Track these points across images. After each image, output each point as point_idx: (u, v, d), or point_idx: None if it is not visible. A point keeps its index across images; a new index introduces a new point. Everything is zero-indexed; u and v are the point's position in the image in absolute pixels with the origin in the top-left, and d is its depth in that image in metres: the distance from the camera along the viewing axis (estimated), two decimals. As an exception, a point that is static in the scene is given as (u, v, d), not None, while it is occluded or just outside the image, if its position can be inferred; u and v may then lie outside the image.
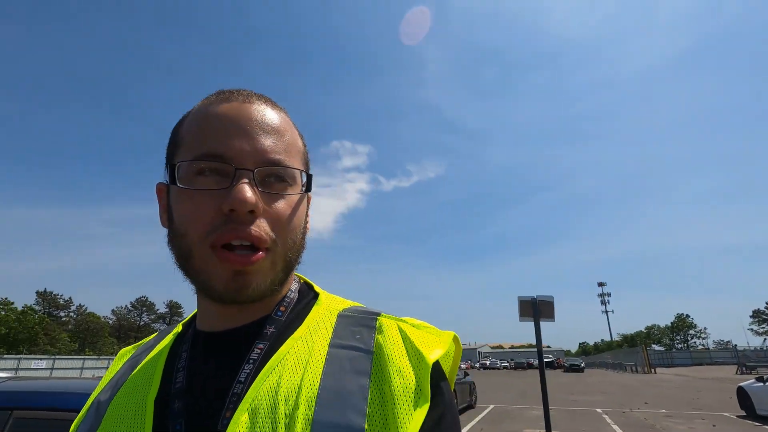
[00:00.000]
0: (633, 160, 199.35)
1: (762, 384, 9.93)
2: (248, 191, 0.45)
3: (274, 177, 0.49)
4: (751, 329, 65.95)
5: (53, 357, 33.41)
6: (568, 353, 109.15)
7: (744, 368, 31.36)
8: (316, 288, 0.60)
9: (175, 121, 0.55)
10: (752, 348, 55.01)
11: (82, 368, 33.78)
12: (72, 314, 56.67)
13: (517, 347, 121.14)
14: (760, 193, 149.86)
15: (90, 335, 54.90)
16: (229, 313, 0.50)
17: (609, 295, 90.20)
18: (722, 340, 76.76)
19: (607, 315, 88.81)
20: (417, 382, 0.44)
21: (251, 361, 0.47)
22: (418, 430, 0.41)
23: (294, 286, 0.57)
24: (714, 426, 9.06)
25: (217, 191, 0.46)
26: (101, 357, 39.06)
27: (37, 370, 30.31)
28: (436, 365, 0.49)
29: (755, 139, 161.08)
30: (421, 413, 0.42)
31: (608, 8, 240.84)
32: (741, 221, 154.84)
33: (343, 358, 0.46)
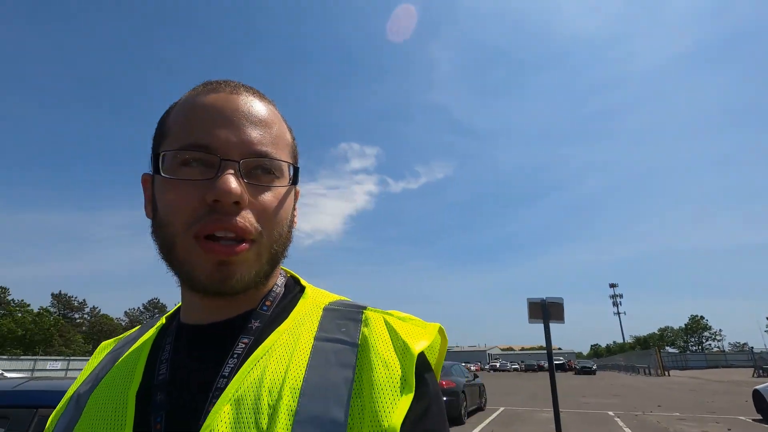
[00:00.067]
0: (645, 159, 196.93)
1: (778, 387, 9.75)
2: (233, 182, 0.44)
3: (260, 169, 0.48)
4: (768, 331, 64.49)
5: (68, 358, 33.96)
6: (579, 355, 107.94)
7: (761, 371, 30.69)
8: (303, 282, 0.60)
9: None
10: (769, 350, 53.86)
11: (96, 369, 34.20)
12: (86, 316, 57.58)
13: (527, 349, 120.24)
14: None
15: (103, 336, 55.66)
16: (213, 306, 0.50)
17: (621, 296, 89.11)
18: (738, 343, 75.43)
19: (619, 316, 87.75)
20: (402, 372, 0.44)
21: (235, 355, 0.46)
22: (402, 419, 0.41)
23: (280, 280, 0.56)
24: (729, 430, 8.91)
25: (202, 182, 0.45)
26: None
27: (52, 371, 30.88)
28: (422, 357, 0.49)
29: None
30: (405, 402, 0.42)
31: (617, 6, 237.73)
32: (756, 220, 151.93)
33: (328, 350, 0.46)
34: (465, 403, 10.18)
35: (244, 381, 0.43)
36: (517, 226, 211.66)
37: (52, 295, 53.94)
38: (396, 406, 0.41)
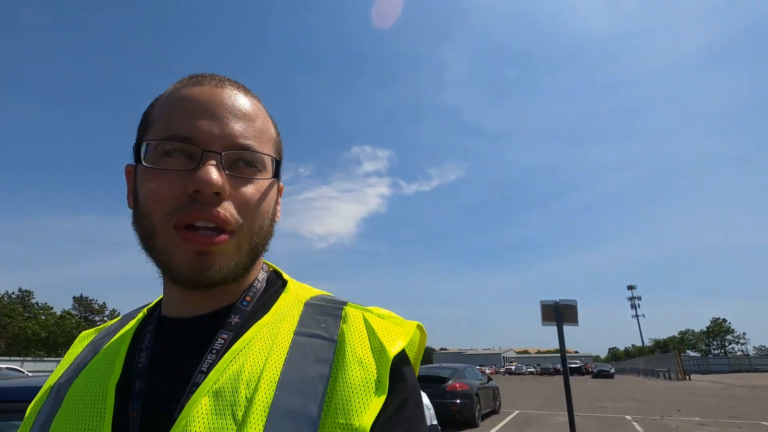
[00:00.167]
0: (662, 158, 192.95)
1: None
2: (214, 173, 0.44)
3: (242, 161, 0.49)
4: (795, 334, 62.34)
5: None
6: (597, 359, 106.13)
7: (787, 375, 29.71)
8: (285, 276, 0.60)
9: None
10: (796, 354, 52.08)
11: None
12: (106, 318, 58.84)
13: (543, 352, 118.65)
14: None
15: (123, 339, 56.73)
16: (193, 298, 0.50)
17: (639, 298, 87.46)
18: (763, 346, 73.19)
19: (637, 319, 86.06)
20: (376, 373, 0.44)
21: (214, 350, 0.46)
22: (373, 420, 0.42)
23: (261, 275, 0.56)
24: (751, 435, 8.70)
25: (184, 172, 0.46)
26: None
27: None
28: (401, 353, 0.49)
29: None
30: (377, 403, 0.42)
31: (632, 2, 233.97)
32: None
33: (306, 346, 0.46)
34: (479, 406, 10.15)
35: (223, 373, 0.44)
36: (532, 228, 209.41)
37: (74, 298, 55.34)
38: (368, 407, 0.42)
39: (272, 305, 0.52)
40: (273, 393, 0.41)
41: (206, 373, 0.44)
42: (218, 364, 0.45)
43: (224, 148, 0.47)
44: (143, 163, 0.47)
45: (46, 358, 32.13)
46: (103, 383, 0.48)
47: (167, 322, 0.52)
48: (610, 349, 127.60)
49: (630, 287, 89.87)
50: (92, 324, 55.63)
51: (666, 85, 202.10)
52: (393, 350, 0.46)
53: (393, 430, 0.44)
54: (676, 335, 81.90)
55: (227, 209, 0.46)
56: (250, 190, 0.49)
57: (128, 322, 0.58)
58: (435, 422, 5.56)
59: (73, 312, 52.76)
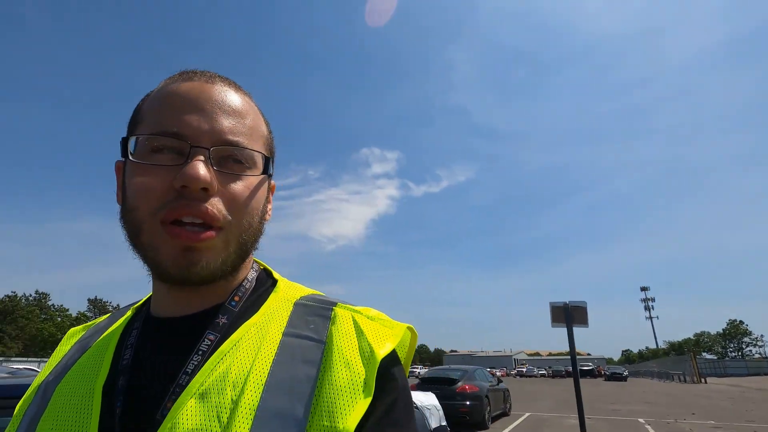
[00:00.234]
0: (677, 158, 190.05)
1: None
2: (201, 168, 0.44)
3: (231, 158, 0.48)
4: (815, 337, 60.85)
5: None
6: (610, 361, 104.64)
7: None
8: (275, 275, 0.59)
9: None
10: (817, 357, 50.77)
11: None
12: (120, 320, 59.79)
13: (555, 354, 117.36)
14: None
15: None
16: (181, 297, 0.50)
17: (653, 300, 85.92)
18: (782, 349, 71.33)
19: (651, 321, 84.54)
20: (363, 375, 0.44)
21: (200, 352, 0.46)
22: (357, 421, 0.41)
23: (251, 274, 0.56)
24: (768, 439, 8.54)
25: (171, 167, 0.45)
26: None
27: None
28: (391, 354, 0.49)
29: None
30: (362, 405, 0.42)
31: (642, 0, 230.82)
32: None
33: (295, 347, 0.46)
34: (489, 408, 10.12)
35: (209, 375, 0.43)
36: (543, 229, 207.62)
37: (89, 300, 56.31)
38: (353, 409, 0.41)
39: (261, 305, 0.51)
40: (260, 395, 0.41)
41: (191, 375, 0.44)
42: (205, 365, 0.44)
43: (213, 144, 0.46)
44: (130, 158, 0.47)
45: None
46: (91, 382, 0.47)
47: (154, 321, 0.51)
48: (623, 351, 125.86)
49: (643, 288, 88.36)
50: (106, 325, 56.35)
51: (681, 83, 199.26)
52: (381, 352, 0.46)
53: (383, 431, 0.44)
54: (692, 337, 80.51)
55: (215, 205, 0.45)
56: (239, 186, 0.48)
57: (116, 320, 0.58)
58: (444, 423, 5.58)
59: (88, 314, 53.65)
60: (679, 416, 12.33)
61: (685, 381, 37.47)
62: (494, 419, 11.07)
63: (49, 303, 51.30)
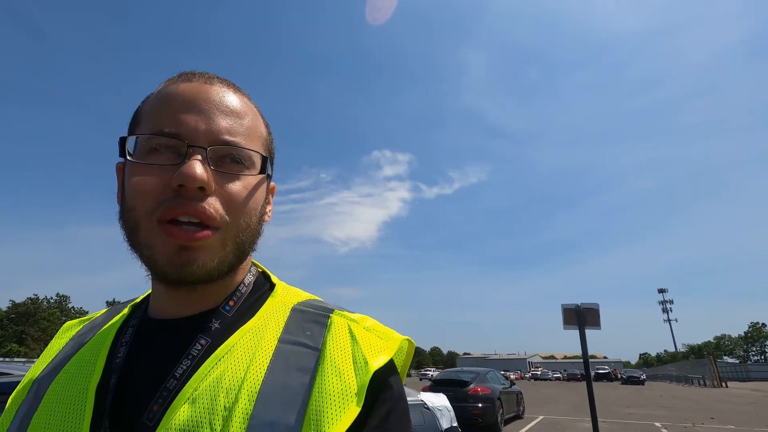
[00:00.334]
0: (695, 157, 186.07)
1: None
2: (198, 167, 0.44)
3: (229, 158, 0.48)
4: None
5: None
6: (627, 365, 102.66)
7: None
8: (274, 279, 0.59)
9: None
10: (844, 361, 49.05)
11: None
12: (137, 322, 60.96)
13: (570, 358, 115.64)
14: None
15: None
16: (177, 298, 0.49)
17: (671, 302, 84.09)
18: (807, 352, 69.12)
19: (669, 324, 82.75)
20: (354, 385, 0.43)
21: (190, 356, 0.45)
22: (345, 430, 0.41)
23: (249, 278, 0.55)
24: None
25: (169, 167, 0.45)
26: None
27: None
28: (389, 364, 0.49)
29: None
30: (350, 415, 0.41)
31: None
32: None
33: (290, 354, 0.45)
34: (501, 410, 10.07)
35: (203, 380, 0.42)
36: (558, 231, 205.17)
37: (107, 302, 57.53)
38: (340, 419, 0.41)
39: (258, 310, 0.51)
40: (253, 403, 0.40)
41: (179, 379, 0.44)
42: (199, 370, 0.43)
43: (210, 144, 0.46)
44: (128, 158, 0.47)
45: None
46: (85, 382, 0.47)
47: (150, 322, 0.52)
48: (641, 354, 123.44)
49: (661, 290, 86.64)
50: (124, 327, 57.52)
51: (700, 81, 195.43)
52: (374, 364, 0.45)
53: None
54: (712, 340, 78.54)
55: (212, 205, 0.45)
56: (236, 186, 0.48)
57: (113, 317, 0.57)
58: (455, 424, 5.63)
59: (107, 316, 54.79)
60: (697, 420, 12.09)
61: (704, 385, 36.61)
62: (507, 422, 11.00)
63: (69, 305, 52.61)
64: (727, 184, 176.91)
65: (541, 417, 12.83)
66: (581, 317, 6.93)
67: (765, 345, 71.24)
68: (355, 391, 0.43)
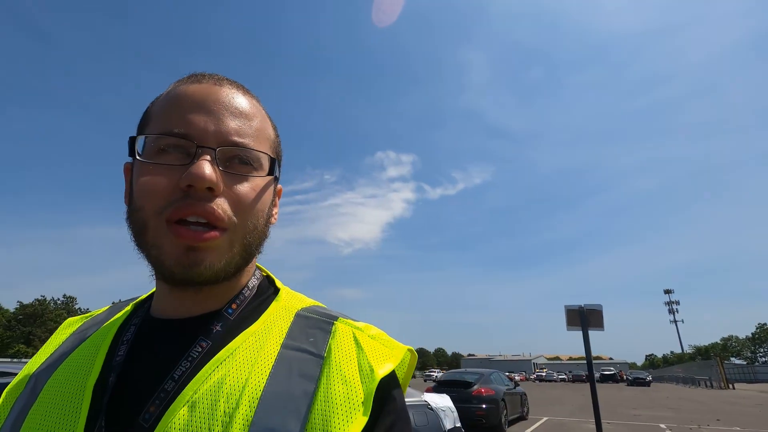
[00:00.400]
0: (699, 156, 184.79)
1: None
2: (207, 168, 0.44)
3: (237, 159, 0.48)
4: None
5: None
6: (633, 366, 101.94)
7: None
8: (278, 283, 0.59)
9: None
10: None
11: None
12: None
13: (575, 359, 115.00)
14: None
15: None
16: (182, 299, 0.49)
17: (677, 303, 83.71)
18: (816, 354, 68.38)
19: (676, 325, 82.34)
20: (362, 393, 0.43)
21: (190, 358, 0.45)
22: None
23: (253, 281, 0.55)
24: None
25: (178, 167, 0.45)
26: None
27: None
28: (391, 375, 0.48)
29: None
30: (359, 423, 0.41)
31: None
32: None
33: (293, 360, 0.45)
34: (505, 412, 10.09)
35: (203, 384, 0.42)
36: (563, 231, 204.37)
37: (113, 303, 57.79)
38: (347, 428, 0.40)
39: (261, 314, 0.51)
40: (254, 410, 0.40)
41: (177, 381, 0.43)
42: (199, 373, 0.43)
43: (219, 145, 0.47)
44: (137, 158, 0.47)
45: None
46: (83, 379, 0.46)
47: (152, 321, 0.51)
48: (647, 356, 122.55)
49: (667, 291, 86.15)
50: (130, 328, 57.88)
51: (702, 80, 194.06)
52: (380, 372, 0.45)
53: None
54: (719, 342, 77.80)
55: (220, 205, 0.45)
56: (244, 187, 0.48)
57: (115, 314, 0.57)
58: (458, 424, 5.66)
59: (113, 317, 55.18)
60: (702, 422, 12.04)
61: (711, 386, 36.34)
62: (511, 423, 11.01)
63: (76, 306, 52.98)
64: (732, 184, 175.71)
65: (545, 418, 12.80)
66: (584, 318, 6.93)
67: (773, 346, 70.51)
68: (362, 399, 0.42)
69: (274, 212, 0.55)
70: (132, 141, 0.48)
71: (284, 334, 0.48)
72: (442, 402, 5.66)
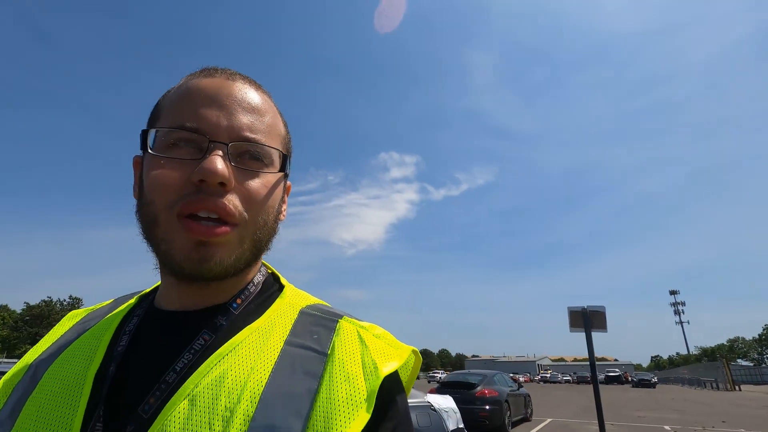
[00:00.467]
0: (704, 155, 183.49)
1: None
2: (219, 163, 0.44)
3: (249, 154, 0.48)
4: None
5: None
6: (638, 367, 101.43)
7: None
8: (283, 280, 0.59)
9: None
10: None
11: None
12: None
13: (580, 360, 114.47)
14: None
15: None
16: (188, 292, 0.49)
17: (683, 304, 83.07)
18: (824, 355, 67.73)
19: (681, 326, 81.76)
20: (365, 390, 0.42)
21: (192, 350, 0.45)
22: None
23: (258, 278, 0.55)
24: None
25: (189, 161, 0.45)
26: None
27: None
28: (394, 377, 0.48)
29: None
30: (361, 421, 0.40)
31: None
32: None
33: (296, 357, 0.44)
34: (509, 413, 10.09)
35: (204, 377, 0.42)
36: (568, 231, 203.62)
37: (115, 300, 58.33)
38: (349, 425, 0.40)
39: (265, 310, 0.51)
40: (255, 406, 0.39)
41: (179, 373, 0.43)
42: (201, 366, 0.43)
43: (231, 140, 0.47)
44: (150, 152, 0.47)
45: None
46: (84, 368, 0.46)
47: (155, 313, 0.51)
48: (652, 357, 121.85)
49: (672, 292, 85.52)
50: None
51: (707, 79, 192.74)
52: (384, 370, 0.45)
53: None
54: (725, 343, 77.19)
55: (231, 201, 0.45)
56: (255, 183, 0.48)
57: (119, 306, 0.57)
58: (461, 425, 5.69)
59: (118, 318, 55.52)
60: (707, 424, 11.98)
61: (717, 388, 36.09)
62: (515, 424, 11.00)
63: (82, 307, 53.30)
64: (738, 184, 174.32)
65: (549, 420, 12.79)
66: (588, 320, 6.94)
67: (780, 348, 69.89)
68: (365, 396, 0.42)
69: (283, 209, 0.56)
70: (144, 134, 0.48)
71: (288, 331, 0.48)
72: (445, 403, 5.69)
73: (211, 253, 0.45)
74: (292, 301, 0.53)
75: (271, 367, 0.43)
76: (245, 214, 0.47)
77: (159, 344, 0.47)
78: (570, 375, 63.46)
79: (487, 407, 9.47)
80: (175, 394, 0.41)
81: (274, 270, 0.60)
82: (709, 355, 72.58)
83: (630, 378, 51.80)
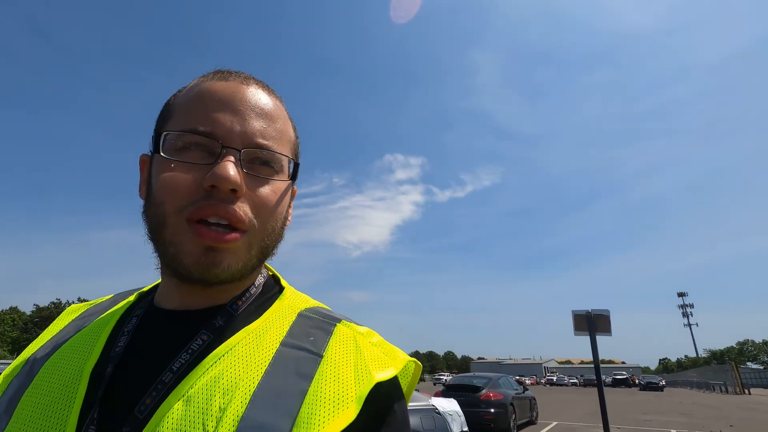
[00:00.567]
0: (711, 157, 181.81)
1: None
2: (232, 169, 0.44)
3: (260, 161, 0.48)
4: None
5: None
6: (646, 370, 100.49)
7: None
8: (283, 282, 0.59)
9: None
10: None
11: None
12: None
13: (587, 363, 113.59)
14: None
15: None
16: (189, 293, 0.49)
17: (691, 306, 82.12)
18: (836, 358, 66.69)
19: (690, 328, 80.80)
20: (353, 393, 0.42)
21: (190, 351, 0.44)
22: None
23: (259, 279, 0.55)
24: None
25: (201, 165, 0.45)
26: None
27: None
28: (393, 384, 0.47)
29: None
30: (343, 420, 0.39)
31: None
32: None
33: (290, 358, 0.44)
34: (514, 416, 10.10)
35: (200, 378, 0.41)
36: (575, 233, 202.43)
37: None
38: (331, 421, 0.39)
39: (264, 312, 0.51)
40: (246, 405, 0.39)
41: (176, 373, 0.43)
42: (197, 367, 0.42)
43: (244, 146, 0.47)
44: (161, 154, 0.47)
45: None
46: (80, 365, 0.46)
47: (155, 312, 0.51)
48: (660, 360, 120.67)
49: (681, 294, 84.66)
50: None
51: (714, 79, 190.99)
52: (378, 376, 0.44)
53: None
54: (734, 346, 76.35)
55: (242, 207, 0.45)
56: (266, 190, 0.48)
57: (118, 303, 0.57)
58: (466, 429, 5.74)
59: (126, 320, 55.92)
60: (714, 428, 11.90)
61: (726, 392, 35.72)
62: (520, 427, 10.99)
63: (90, 309, 53.79)
64: (748, 185, 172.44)
65: (554, 423, 12.76)
66: (592, 323, 6.96)
67: (791, 351, 68.98)
68: (353, 398, 0.41)
69: (289, 213, 0.56)
70: (158, 135, 0.48)
71: (284, 332, 0.48)
72: (449, 406, 5.75)
73: (219, 258, 0.45)
74: (291, 303, 0.53)
75: (265, 367, 0.43)
76: (255, 221, 0.47)
77: (157, 344, 0.47)
78: (577, 378, 62.89)
79: (492, 410, 9.49)
80: (171, 395, 0.41)
81: (275, 272, 0.61)
82: (718, 357, 71.78)
83: (637, 381, 51.34)
